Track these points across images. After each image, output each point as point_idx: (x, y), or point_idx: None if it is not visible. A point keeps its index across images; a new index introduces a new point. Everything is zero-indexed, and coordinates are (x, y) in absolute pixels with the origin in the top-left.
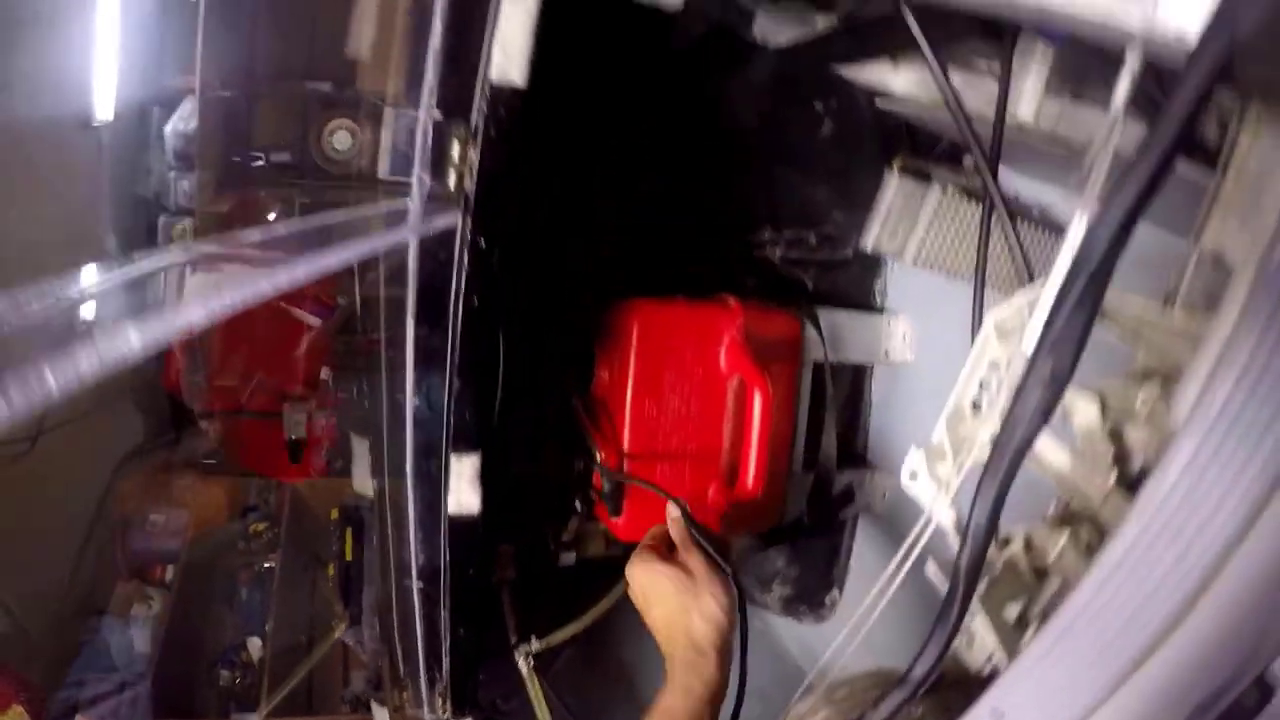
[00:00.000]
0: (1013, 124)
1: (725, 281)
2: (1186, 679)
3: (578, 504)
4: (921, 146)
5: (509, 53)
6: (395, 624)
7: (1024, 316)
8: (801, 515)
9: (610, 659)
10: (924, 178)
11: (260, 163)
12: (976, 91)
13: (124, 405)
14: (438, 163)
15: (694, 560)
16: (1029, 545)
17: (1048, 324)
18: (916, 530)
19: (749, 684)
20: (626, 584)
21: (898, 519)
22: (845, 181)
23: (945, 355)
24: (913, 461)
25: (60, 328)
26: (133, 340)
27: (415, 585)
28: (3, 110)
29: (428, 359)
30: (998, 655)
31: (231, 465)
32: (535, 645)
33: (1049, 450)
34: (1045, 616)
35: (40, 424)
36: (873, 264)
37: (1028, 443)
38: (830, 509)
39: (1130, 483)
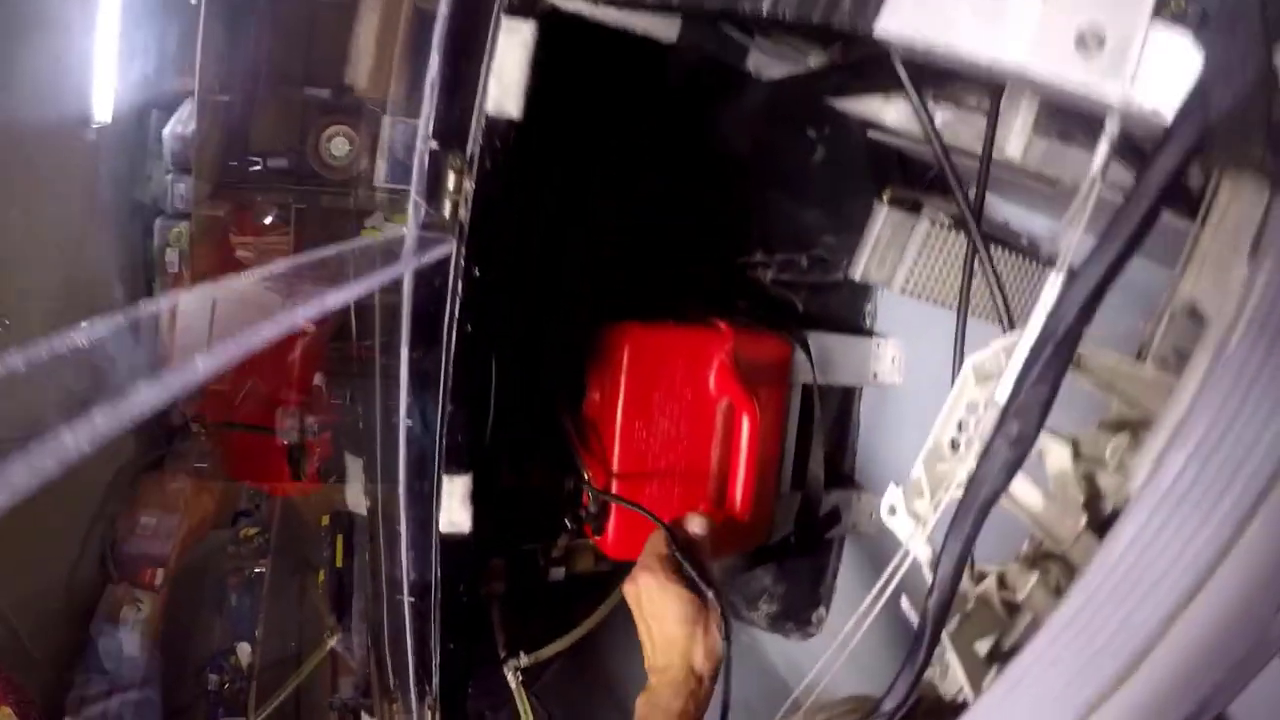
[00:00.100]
0: (1001, 160)
1: (717, 303)
2: None
3: (567, 522)
4: (913, 173)
5: (505, 85)
6: (386, 638)
7: (1001, 362)
8: (789, 534)
9: (598, 671)
10: (914, 208)
11: (257, 167)
12: (967, 126)
13: None
14: (433, 191)
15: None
16: (1002, 582)
17: (1014, 391)
18: (894, 564)
19: (733, 696)
20: (623, 588)
21: (884, 539)
22: (837, 206)
23: (934, 379)
24: (891, 497)
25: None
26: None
27: (407, 600)
28: (2, 111)
29: (422, 383)
30: (966, 690)
31: (223, 476)
32: (524, 660)
33: (1023, 491)
34: (1016, 652)
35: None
36: (863, 287)
37: (992, 499)
38: (817, 528)
39: (1100, 525)
